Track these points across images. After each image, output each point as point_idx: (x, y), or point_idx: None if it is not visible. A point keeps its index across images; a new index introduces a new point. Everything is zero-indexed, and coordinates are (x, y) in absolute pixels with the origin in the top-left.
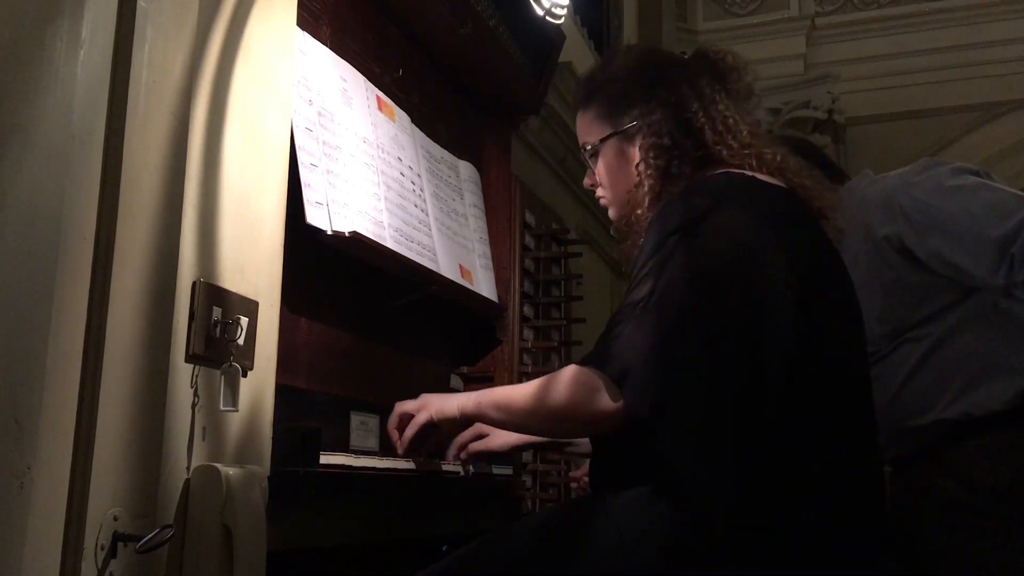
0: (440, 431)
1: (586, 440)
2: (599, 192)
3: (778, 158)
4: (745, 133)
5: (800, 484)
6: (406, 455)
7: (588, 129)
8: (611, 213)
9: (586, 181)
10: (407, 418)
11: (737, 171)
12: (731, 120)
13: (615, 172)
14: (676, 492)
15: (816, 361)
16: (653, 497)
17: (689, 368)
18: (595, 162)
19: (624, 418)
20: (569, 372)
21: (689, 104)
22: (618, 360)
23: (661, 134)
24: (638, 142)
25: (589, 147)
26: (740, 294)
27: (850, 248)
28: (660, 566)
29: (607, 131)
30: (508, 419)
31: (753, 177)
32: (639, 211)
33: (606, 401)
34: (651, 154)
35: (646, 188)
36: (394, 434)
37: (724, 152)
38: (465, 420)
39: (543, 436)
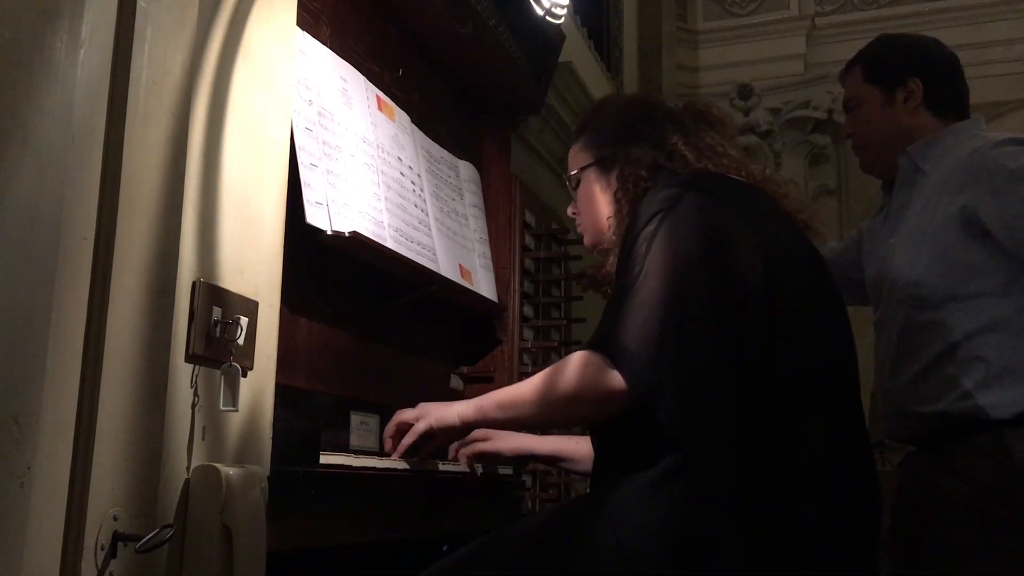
0: (437, 440)
1: (585, 457)
2: (577, 220)
3: (766, 171)
4: (733, 154)
5: (792, 464)
6: (403, 459)
7: (574, 160)
8: (585, 240)
9: (569, 210)
10: (405, 427)
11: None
12: (718, 147)
13: (591, 200)
14: (678, 471)
15: (785, 335)
16: (649, 492)
17: (677, 344)
18: (576, 191)
19: (626, 396)
20: (576, 357)
21: (670, 137)
22: (615, 341)
23: (640, 165)
24: (616, 172)
25: (572, 176)
26: (713, 271)
27: (925, 189)
28: (658, 563)
29: (589, 160)
30: (514, 416)
31: (721, 173)
32: (615, 236)
33: (612, 380)
34: (629, 182)
35: (624, 214)
36: (388, 442)
37: (709, 165)
38: (465, 427)
39: (549, 425)
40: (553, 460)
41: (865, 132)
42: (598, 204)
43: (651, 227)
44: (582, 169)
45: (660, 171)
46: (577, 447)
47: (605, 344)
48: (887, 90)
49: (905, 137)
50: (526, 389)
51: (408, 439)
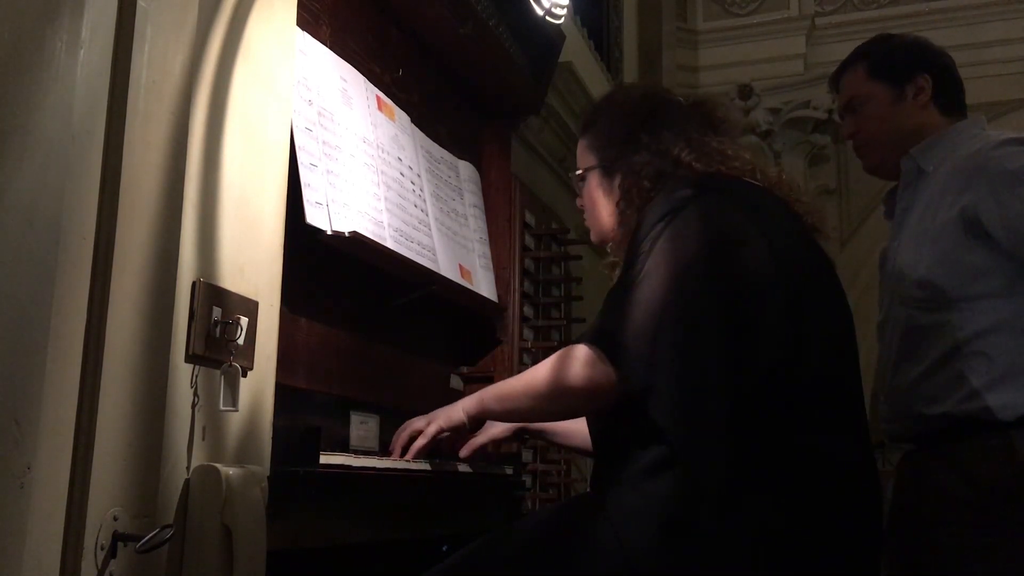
0: (449, 439)
1: (576, 431)
2: (584, 214)
3: (783, 176)
4: (745, 156)
5: (790, 460)
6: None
7: (581, 156)
8: (592, 236)
9: (578, 201)
10: (417, 433)
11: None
12: (727, 150)
13: (593, 202)
14: (671, 466)
15: (798, 347)
16: (647, 490)
17: (672, 343)
18: (582, 188)
19: (618, 390)
20: (564, 350)
21: (673, 148)
22: (610, 336)
23: (642, 175)
24: (618, 180)
25: (579, 173)
26: (713, 275)
27: (927, 190)
28: (657, 563)
29: (593, 162)
30: (511, 408)
31: (735, 176)
32: (618, 244)
33: (604, 375)
34: (633, 193)
35: (628, 224)
36: (398, 449)
37: (722, 168)
38: (473, 422)
39: (549, 419)
40: (544, 433)
41: (873, 130)
42: (601, 208)
43: (657, 228)
44: (587, 170)
45: (665, 179)
46: (566, 421)
47: (600, 338)
48: (896, 86)
49: (914, 135)
50: (522, 383)
51: (421, 441)
